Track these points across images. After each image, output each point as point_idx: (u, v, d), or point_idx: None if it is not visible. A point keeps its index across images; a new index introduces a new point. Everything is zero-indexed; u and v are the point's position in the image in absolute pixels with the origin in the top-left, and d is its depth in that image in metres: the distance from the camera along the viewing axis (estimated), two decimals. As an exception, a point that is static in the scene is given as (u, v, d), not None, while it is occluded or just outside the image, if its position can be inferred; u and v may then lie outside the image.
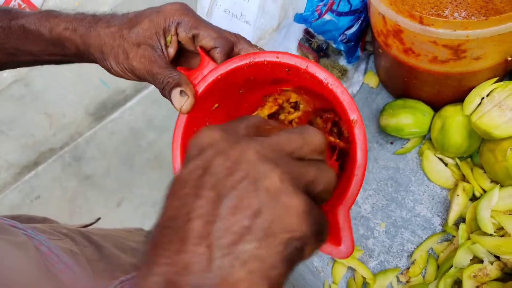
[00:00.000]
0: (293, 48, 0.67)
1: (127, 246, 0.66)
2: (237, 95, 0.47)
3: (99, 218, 0.70)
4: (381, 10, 0.48)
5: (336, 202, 0.36)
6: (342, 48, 0.63)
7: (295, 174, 0.25)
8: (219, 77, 0.40)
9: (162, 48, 0.43)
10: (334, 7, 0.58)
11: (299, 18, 0.59)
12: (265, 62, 0.39)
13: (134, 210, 1.57)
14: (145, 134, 1.64)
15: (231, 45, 0.43)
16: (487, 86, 0.53)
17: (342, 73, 0.65)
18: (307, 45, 0.65)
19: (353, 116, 0.36)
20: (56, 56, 0.49)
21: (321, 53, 0.65)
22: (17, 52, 0.48)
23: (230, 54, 0.43)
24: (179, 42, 0.44)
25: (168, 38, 0.43)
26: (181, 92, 0.40)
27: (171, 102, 0.41)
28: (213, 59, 0.42)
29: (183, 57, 0.47)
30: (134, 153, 1.64)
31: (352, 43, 0.63)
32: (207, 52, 0.43)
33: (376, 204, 0.62)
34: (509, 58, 0.51)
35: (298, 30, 0.66)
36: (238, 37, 0.44)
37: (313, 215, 0.24)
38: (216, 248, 0.23)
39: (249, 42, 0.44)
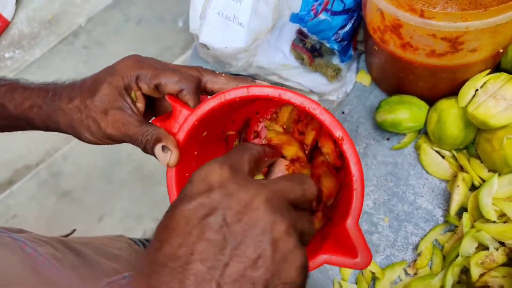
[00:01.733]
0: (286, 49, 0.67)
1: (109, 252, 0.64)
2: (220, 121, 0.47)
3: (74, 230, 0.68)
4: (381, 5, 0.49)
5: (343, 216, 0.36)
6: (336, 47, 0.63)
7: (296, 225, 0.26)
8: (196, 122, 0.40)
9: (130, 107, 0.41)
10: (329, 6, 0.59)
11: (295, 18, 0.59)
12: (237, 99, 0.39)
13: (116, 225, 1.52)
14: (123, 147, 1.59)
15: (196, 81, 0.42)
16: (480, 78, 0.55)
17: (337, 72, 0.66)
18: (301, 45, 0.65)
19: (337, 133, 0.37)
20: (24, 129, 0.48)
21: (315, 53, 0.65)
22: None
23: (197, 90, 0.42)
24: (144, 95, 0.43)
25: (133, 95, 0.42)
26: (163, 147, 0.39)
27: (157, 158, 0.39)
28: (183, 101, 0.41)
29: (155, 104, 0.46)
30: (113, 167, 1.60)
31: (346, 42, 0.64)
32: (176, 95, 0.42)
33: (378, 199, 0.62)
34: (501, 50, 0.53)
35: (291, 31, 0.67)
36: (200, 70, 0.43)
37: (307, 267, 0.26)
38: None
39: (213, 72, 0.43)
